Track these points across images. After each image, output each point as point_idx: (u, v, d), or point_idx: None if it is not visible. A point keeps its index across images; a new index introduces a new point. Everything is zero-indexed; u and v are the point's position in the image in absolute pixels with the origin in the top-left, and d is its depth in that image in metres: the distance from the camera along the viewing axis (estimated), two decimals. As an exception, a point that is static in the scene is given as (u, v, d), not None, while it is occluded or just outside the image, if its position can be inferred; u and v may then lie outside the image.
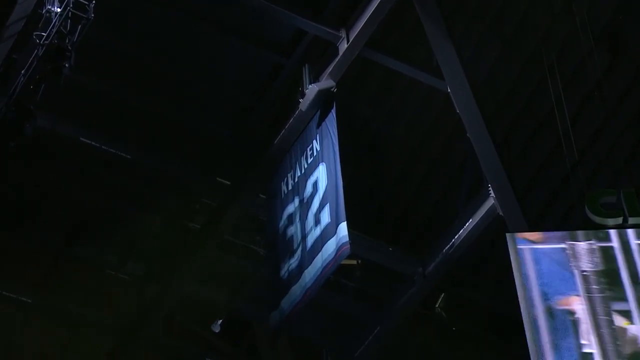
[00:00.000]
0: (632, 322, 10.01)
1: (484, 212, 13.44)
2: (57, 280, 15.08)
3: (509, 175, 13.01)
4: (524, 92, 13.87)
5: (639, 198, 11.07)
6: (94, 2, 10.96)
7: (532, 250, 10.73)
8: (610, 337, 9.91)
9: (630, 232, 10.74)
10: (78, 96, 13.08)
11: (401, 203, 15.15)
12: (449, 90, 12.56)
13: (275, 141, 13.44)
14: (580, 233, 10.88)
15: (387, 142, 14.59)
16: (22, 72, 11.42)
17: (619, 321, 10.06)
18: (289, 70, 13.46)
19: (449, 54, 12.21)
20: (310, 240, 12.18)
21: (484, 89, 13.09)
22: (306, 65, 12.92)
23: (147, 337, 15.38)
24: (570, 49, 13.12)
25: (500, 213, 13.18)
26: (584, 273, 10.45)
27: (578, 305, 10.22)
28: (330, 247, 11.65)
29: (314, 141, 12.67)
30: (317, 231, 12.03)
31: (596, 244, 10.70)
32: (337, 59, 12.53)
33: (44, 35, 11.11)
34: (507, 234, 11.05)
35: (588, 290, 10.31)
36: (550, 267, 10.54)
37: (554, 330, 9.99)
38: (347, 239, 11.36)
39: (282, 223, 12.95)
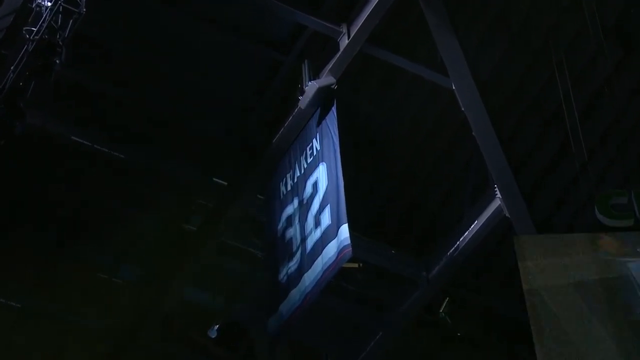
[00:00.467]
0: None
1: (490, 213, 13.39)
2: (49, 283, 14.94)
3: (515, 175, 12.91)
4: (531, 89, 13.66)
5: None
6: (86, -4, 10.86)
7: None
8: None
9: None
10: (69, 94, 12.95)
11: (404, 204, 15.02)
12: (453, 87, 12.43)
13: (274, 140, 13.34)
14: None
15: (390, 141, 14.42)
16: (12, 68, 11.28)
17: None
18: (288, 66, 13.33)
19: (453, 49, 12.05)
20: (310, 242, 12.02)
21: (490, 85, 12.93)
22: (306, 62, 12.81)
23: (143, 342, 15.35)
24: (580, 45, 12.93)
25: (507, 215, 13.10)
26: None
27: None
28: (331, 250, 11.47)
29: (314, 140, 12.51)
30: (317, 233, 11.88)
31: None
32: (337, 55, 12.40)
33: (34, 30, 10.99)
34: (514, 237, 10.81)
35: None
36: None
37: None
38: (349, 241, 11.17)
39: (280, 225, 12.81)
